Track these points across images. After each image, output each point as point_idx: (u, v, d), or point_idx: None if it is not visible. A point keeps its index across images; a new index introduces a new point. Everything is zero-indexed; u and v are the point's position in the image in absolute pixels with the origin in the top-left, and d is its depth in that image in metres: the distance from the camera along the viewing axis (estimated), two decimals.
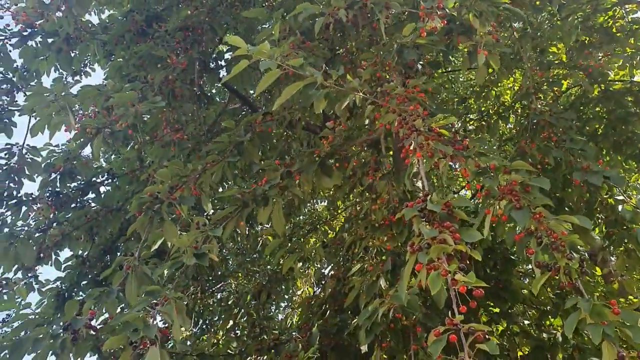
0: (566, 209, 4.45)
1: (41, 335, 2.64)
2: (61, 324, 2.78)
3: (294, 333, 4.17)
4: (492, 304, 4.52)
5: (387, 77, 3.43)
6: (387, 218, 3.59)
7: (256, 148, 3.97)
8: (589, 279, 5.29)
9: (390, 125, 2.94)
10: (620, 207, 3.11)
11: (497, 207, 2.61)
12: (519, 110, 6.40)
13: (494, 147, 6.82)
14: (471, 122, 6.97)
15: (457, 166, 2.99)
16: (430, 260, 2.05)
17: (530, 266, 5.19)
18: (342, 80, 2.94)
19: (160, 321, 2.63)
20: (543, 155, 3.93)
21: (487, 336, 1.79)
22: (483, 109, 7.24)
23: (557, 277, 2.23)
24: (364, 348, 3.28)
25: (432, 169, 2.92)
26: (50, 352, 2.64)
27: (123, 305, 3.19)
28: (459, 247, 2.11)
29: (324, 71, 2.72)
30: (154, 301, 2.56)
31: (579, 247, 2.24)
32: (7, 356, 2.51)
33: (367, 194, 3.98)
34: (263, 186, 3.26)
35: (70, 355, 2.69)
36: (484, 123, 6.65)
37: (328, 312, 4.13)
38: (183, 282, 7.61)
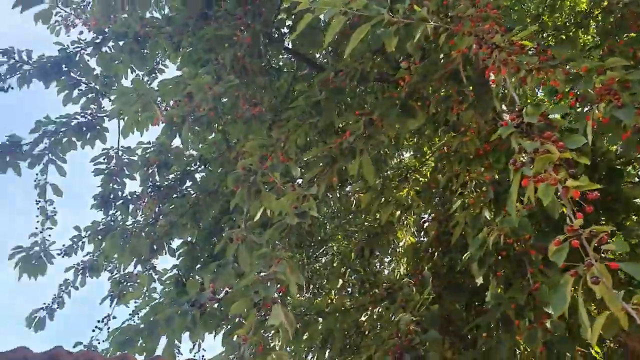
0: None
1: (171, 315, 2.82)
2: (187, 302, 2.96)
3: (404, 279, 4.19)
4: (603, 218, 4.28)
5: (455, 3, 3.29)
6: (480, 148, 3.48)
7: (333, 105, 3.97)
8: None
9: (468, 50, 2.83)
10: None
11: (596, 111, 2.46)
12: (599, 16, 5.94)
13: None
14: (549, 40, 6.55)
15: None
16: (537, 172, 1.98)
17: None
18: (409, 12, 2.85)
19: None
20: (634, 49, 3.63)
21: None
22: (559, 23, 6.78)
23: None
24: (479, 281, 3.25)
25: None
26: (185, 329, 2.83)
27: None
28: (564, 154, 2.01)
29: (389, 7, 2.66)
30: (268, 264, 2.67)
31: None
32: (145, 339, 2.71)
33: (452, 131, 3.88)
34: (347, 139, 3.26)
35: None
36: (563, 37, 6.23)
37: (435, 254, 4.11)
38: (288, 251, 7.87)
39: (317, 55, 6.48)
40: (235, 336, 2.48)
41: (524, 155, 2.12)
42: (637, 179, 5.28)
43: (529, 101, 5.60)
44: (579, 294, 1.64)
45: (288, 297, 2.67)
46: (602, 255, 1.66)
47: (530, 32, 2.63)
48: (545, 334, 2.80)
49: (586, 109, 2.56)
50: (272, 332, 2.87)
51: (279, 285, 2.62)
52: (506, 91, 2.66)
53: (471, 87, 3.64)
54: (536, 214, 3.11)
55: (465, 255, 3.34)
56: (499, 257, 3.22)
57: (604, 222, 4.40)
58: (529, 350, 3.10)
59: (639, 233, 4.72)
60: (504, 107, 3.29)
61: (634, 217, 4.78)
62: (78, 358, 2.22)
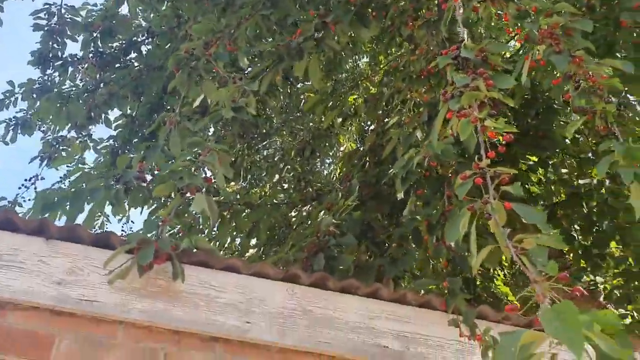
0: (617, 54, 4.23)
1: (97, 187, 2.85)
2: (114, 176, 2.98)
3: (335, 185, 4.35)
4: (530, 153, 4.52)
5: None
6: (425, 69, 3.52)
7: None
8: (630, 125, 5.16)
9: None
10: None
11: (537, 52, 2.52)
12: None
13: None
14: None
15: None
16: (461, 107, 2.05)
17: (573, 116, 5.08)
18: None
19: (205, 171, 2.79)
20: None
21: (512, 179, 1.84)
22: None
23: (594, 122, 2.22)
24: (400, 195, 3.41)
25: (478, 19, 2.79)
26: (107, 202, 2.87)
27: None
28: (491, 94, 2.09)
29: None
30: (198, 152, 2.71)
31: (618, 90, 2.18)
32: (68, 206, 2.74)
33: (406, 45, 3.87)
34: (297, 39, 3.21)
35: (125, 204, 2.93)
36: None
37: (368, 164, 4.24)
38: (230, 139, 7.91)
39: None
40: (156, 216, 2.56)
41: (455, 88, 2.19)
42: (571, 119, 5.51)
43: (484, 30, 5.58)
44: (472, 227, 1.78)
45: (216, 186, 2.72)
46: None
47: None
48: (449, 252, 3.04)
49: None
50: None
51: (205, 175, 2.68)
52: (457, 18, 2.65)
53: (428, 7, 3.60)
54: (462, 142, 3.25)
55: (392, 170, 3.47)
56: (423, 177, 3.38)
57: (530, 156, 4.68)
58: (435, 263, 3.36)
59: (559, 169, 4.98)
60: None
61: (560, 155, 5.06)
62: None
